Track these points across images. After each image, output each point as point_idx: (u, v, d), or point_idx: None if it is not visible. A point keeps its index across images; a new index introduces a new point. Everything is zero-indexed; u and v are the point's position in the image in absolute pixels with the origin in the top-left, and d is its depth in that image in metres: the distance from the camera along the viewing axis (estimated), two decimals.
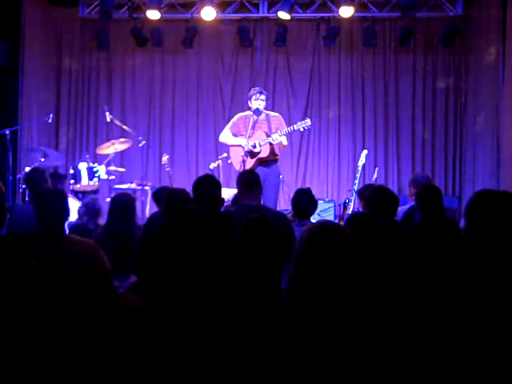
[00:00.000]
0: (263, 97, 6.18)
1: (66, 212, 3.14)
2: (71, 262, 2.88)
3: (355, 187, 6.31)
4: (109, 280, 3.16)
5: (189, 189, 3.97)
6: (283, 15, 7.88)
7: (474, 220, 2.20)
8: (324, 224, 1.88)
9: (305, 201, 4.55)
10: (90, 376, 1.00)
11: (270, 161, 6.16)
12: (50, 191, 3.50)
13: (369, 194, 4.13)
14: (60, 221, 3.11)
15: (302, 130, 6.27)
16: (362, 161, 6.58)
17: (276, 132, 6.08)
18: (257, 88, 6.35)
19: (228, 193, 6.60)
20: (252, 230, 2.50)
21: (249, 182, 4.09)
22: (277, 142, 6.05)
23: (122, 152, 7.93)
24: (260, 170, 5.70)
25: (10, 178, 6.90)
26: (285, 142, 6.23)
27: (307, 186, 8.55)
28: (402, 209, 4.83)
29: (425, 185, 4.39)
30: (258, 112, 6.15)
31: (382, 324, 1.74)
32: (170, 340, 1.10)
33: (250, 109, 6.26)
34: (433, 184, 4.37)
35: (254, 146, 6.07)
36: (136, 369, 1.03)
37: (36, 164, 6.77)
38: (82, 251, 3.05)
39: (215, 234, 1.96)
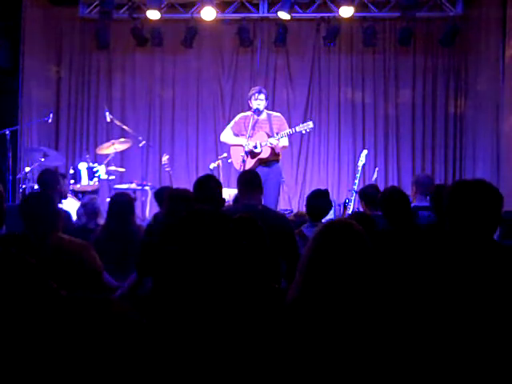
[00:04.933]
0: (262, 96, 6.17)
1: (51, 216, 3.10)
2: (59, 263, 2.85)
3: (355, 187, 6.31)
4: (100, 280, 3.14)
5: (189, 189, 3.97)
6: (283, 15, 7.89)
7: (452, 210, 2.20)
8: (338, 221, 1.97)
9: (320, 203, 4.50)
10: (82, 371, 1.00)
11: (271, 161, 6.15)
12: (34, 196, 3.49)
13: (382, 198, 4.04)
14: (45, 224, 3.07)
15: (303, 132, 6.26)
16: (361, 161, 6.57)
17: (277, 133, 6.07)
18: (256, 88, 6.34)
19: (228, 193, 6.60)
20: (240, 228, 2.50)
21: (249, 181, 4.09)
22: (273, 145, 6.02)
23: (122, 152, 7.92)
24: (261, 170, 5.70)
25: (10, 177, 6.90)
26: (285, 144, 6.22)
27: (307, 186, 8.59)
28: None
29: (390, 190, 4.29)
30: (258, 112, 6.15)
31: (387, 314, 1.78)
32: (155, 343, 1.11)
33: (250, 109, 6.26)
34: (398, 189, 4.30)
35: (255, 147, 6.07)
36: (125, 368, 1.03)
37: (36, 164, 6.78)
38: (71, 251, 3.03)
39: (218, 232, 1.96)
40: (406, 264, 2.22)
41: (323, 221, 4.53)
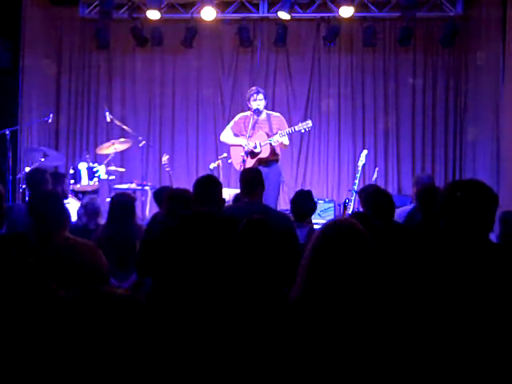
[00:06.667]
0: (261, 96, 6.16)
1: (59, 214, 3.11)
2: (65, 263, 2.85)
3: (355, 187, 6.31)
4: (106, 282, 3.13)
5: (189, 189, 3.96)
6: (283, 15, 7.89)
7: (447, 210, 2.20)
8: (339, 220, 1.98)
9: (304, 204, 4.55)
10: (84, 371, 1.00)
11: (271, 161, 6.15)
12: (43, 193, 3.49)
13: (365, 196, 4.13)
14: (52, 223, 3.08)
15: (303, 131, 6.27)
16: (361, 161, 6.57)
17: (277, 133, 6.08)
18: (253, 88, 6.32)
19: (228, 193, 6.60)
20: (252, 231, 2.50)
21: (251, 180, 4.10)
22: (277, 143, 6.05)
23: (122, 152, 7.92)
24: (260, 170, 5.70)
25: (10, 177, 6.89)
26: (286, 142, 6.23)
27: (307, 186, 8.58)
28: (405, 209, 4.85)
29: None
30: (258, 112, 6.15)
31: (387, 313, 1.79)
32: (163, 331, 1.10)
33: (249, 109, 6.26)
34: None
35: (255, 147, 6.07)
36: (132, 363, 1.03)
37: (36, 164, 6.77)
38: (78, 252, 3.03)
39: (218, 233, 1.96)
40: (400, 263, 2.23)
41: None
